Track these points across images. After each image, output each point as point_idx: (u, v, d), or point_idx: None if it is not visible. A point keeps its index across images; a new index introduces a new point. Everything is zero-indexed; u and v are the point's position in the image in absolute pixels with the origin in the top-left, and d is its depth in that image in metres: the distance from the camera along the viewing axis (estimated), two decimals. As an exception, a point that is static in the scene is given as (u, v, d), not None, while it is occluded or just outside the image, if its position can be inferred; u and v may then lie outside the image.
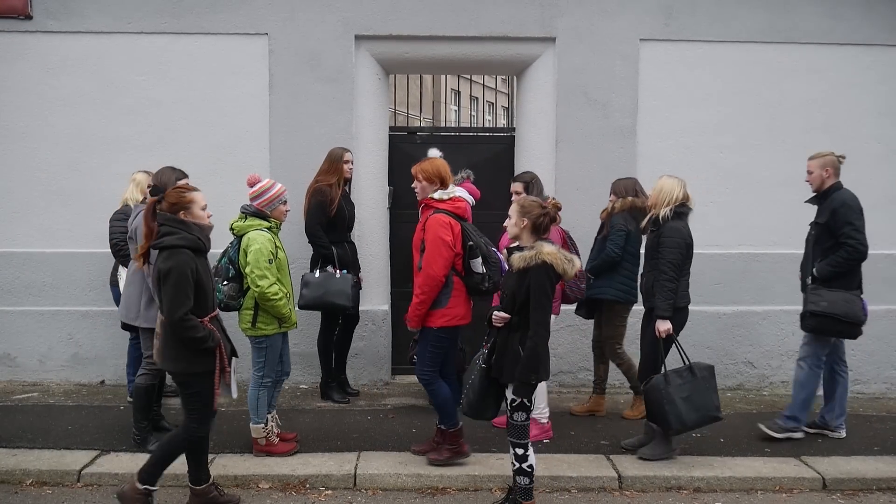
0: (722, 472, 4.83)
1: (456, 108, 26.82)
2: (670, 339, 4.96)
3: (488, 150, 7.01)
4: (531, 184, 5.40)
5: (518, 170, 6.79)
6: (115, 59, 6.45)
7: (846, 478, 4.79)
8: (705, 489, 4.72)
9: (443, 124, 19.38)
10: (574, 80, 6.55)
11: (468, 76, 25.13)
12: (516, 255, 4.06)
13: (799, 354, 5.43)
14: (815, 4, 6.59)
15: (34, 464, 4.75)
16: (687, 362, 4.89)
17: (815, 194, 5.36)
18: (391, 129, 6.96)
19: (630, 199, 5.62)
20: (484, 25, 6.49)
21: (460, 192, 4.87)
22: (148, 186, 5.11)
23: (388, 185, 6.78)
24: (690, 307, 6.38)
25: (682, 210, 5.06)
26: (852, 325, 5.17)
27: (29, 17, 6.38)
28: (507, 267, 4.75)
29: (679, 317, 5.09)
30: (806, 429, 5.49)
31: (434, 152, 5.70)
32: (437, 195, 4.74)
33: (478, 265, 4.71)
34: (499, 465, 4.78)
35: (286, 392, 6.29)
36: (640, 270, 5.63)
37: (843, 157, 5.34)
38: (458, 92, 27.23)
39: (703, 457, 5.06)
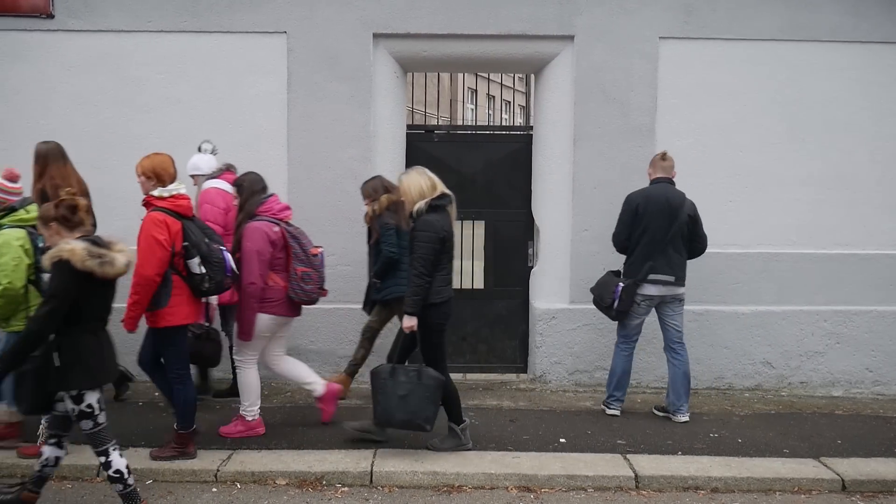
0: (740, 472, 4.81)
1: (472, 106, 26.85)
2: (413, 335, 4.87)
3: (506, 148, 7.01)
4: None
5: (536, 168, 6.80)
6: (136, 58, 6.49)
7: (866, 479, 4.75)
8: (723, 489, 4.70)
9: (460, 122, 19.41)
10: (592, 79, 6.53)
11: (485, 74, 25.13)
12: (45, 256, 3.83)
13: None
14: (836, 2, 6.52)
15: (55, 458, 4.80)
16: (418, 366, 4.85)
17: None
18: (409, 127, 6.98)
19: (385, 196, 5.74)
20: (502, 24, 6.48)
21: (184, 190, 4.78)
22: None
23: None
24: (708, 307, 6.46)
25: (439, 203, 4.83)
26: (602, 308, 5.71)
27: (51, 16, 6.44)
28: (231, 266, 4.81)
29: (439, 312, 4.88)
30: (656, 412, 5.87)
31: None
32: (156, 192, 4.66)
33: (195, 266, 4.64)
34: (514, 464, 4.79)
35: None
36: None
37: (665, 153, 5.75)
38: (475, 90, 27.25)
39: (720, 457, 5.03)
